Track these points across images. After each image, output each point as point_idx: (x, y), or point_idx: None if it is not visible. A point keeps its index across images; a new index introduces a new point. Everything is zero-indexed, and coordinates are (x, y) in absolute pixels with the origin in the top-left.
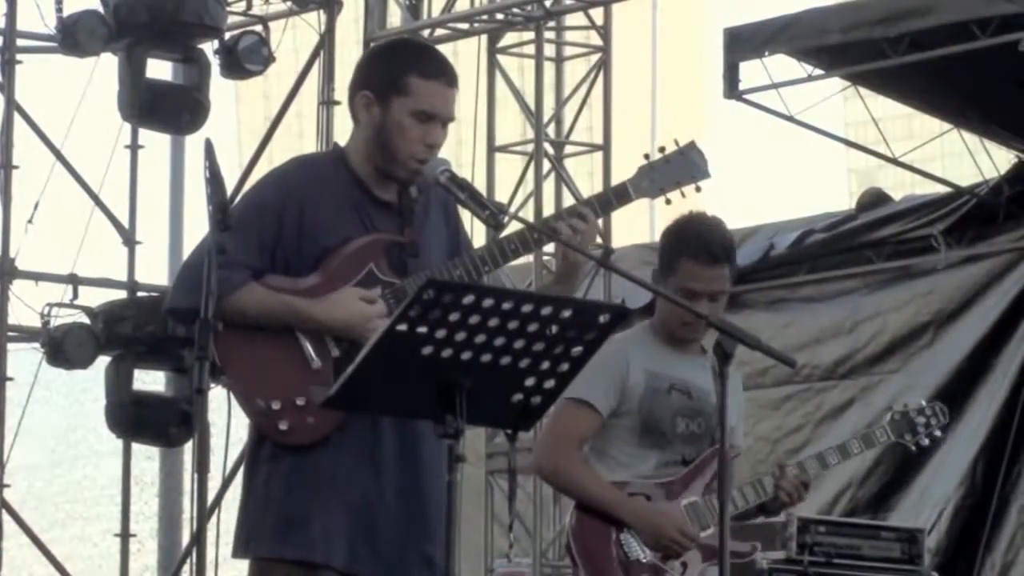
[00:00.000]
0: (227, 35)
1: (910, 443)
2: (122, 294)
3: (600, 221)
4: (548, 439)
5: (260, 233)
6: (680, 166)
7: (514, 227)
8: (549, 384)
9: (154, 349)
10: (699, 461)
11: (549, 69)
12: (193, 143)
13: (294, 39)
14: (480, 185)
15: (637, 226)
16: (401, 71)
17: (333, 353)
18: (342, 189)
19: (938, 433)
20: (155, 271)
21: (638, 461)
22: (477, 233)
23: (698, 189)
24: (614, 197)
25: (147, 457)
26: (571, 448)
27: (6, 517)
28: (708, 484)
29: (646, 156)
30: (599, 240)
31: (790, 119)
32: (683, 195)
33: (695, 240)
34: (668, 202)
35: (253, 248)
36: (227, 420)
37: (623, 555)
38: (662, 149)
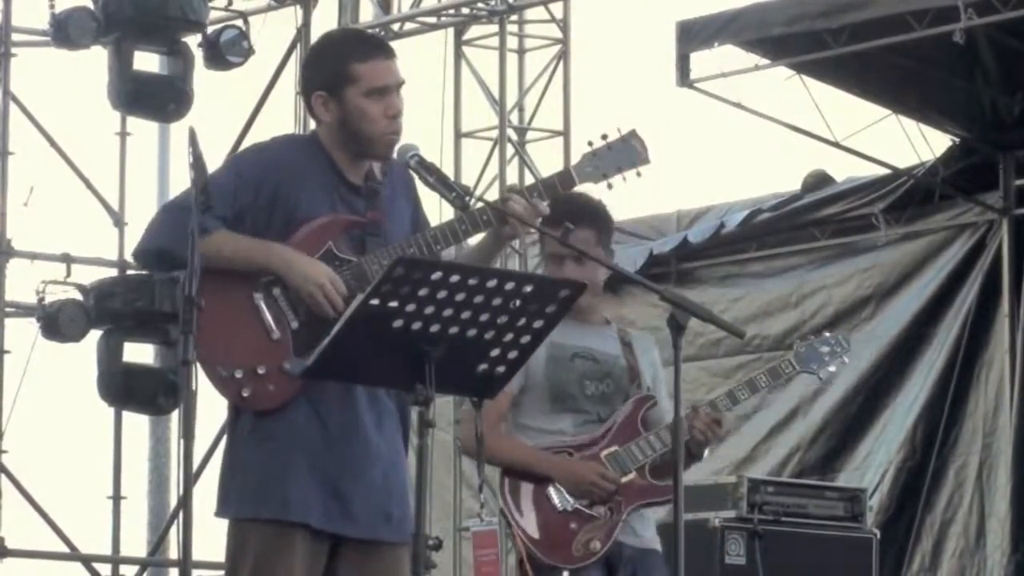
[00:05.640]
0: (209, 29)
1: (817, 372)
2: (113, 272)
3: None
4: (468, 421)
5: (236, 195)
6: (621, 153)
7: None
8: (512, 355)
9: (142, 323)
10: (616, 416)
11: (512, 60)
12: (178, 130)
13: (276, 32)
14: (447, 169)
15: None
16: (342, 62)
17: (292, 325)
18: (318, 170)
19: (845, 360)
20: None
21: (555, 424)
22: (445, 214)
23: (639, 175)
24: (558, 181)
25: (137, 425)
26: (490, 424)
27: (4, 481)
28: (627, 435)
29: (590, 143)
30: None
31: (738, 106)
32: (624, 180)
33: None
34: (610, 187)
35: (228, 204)
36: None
37: (551, 508)
38: (604, 136)
